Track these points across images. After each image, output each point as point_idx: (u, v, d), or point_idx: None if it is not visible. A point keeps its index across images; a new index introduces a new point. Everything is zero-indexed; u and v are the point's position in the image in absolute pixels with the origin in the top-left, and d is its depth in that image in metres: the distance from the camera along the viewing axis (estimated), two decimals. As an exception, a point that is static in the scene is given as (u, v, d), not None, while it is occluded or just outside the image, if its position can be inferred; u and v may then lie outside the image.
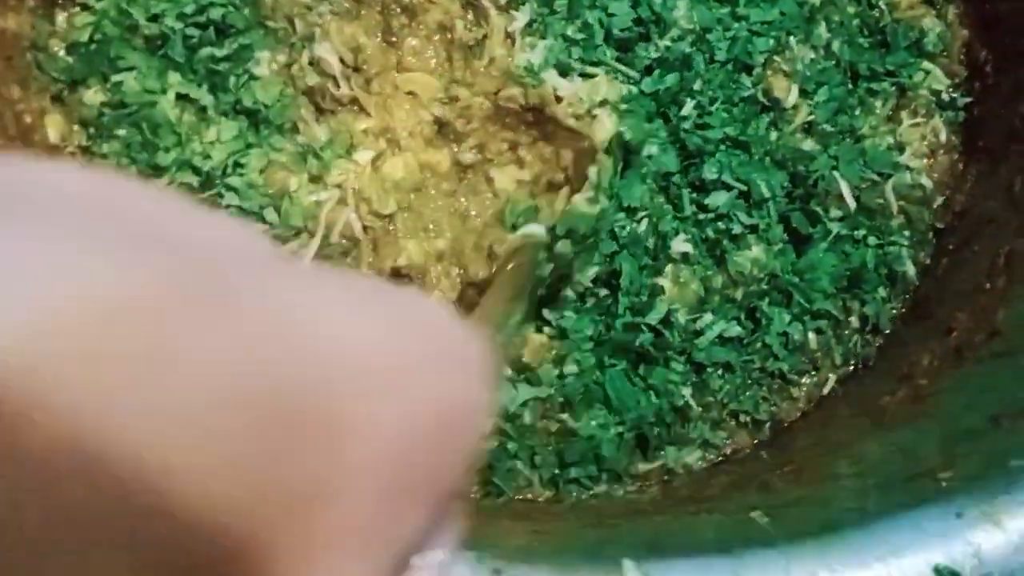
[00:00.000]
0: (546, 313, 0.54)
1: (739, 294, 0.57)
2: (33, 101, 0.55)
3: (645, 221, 0.56)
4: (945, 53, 0.65)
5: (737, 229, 0.58)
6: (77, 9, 0.60)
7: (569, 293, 0.55)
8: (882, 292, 0.61)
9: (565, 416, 0.55)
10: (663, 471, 0.57)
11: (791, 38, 0.64)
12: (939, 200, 0.63)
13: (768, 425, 0.58)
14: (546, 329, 0.55)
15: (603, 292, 0.55)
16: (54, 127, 0.57)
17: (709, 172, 0.58)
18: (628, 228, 0.56)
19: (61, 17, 0.59)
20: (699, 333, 0.56)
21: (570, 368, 0.55)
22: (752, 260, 0.58)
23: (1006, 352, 0.46)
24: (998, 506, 0.30)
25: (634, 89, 0.60)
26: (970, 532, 0.30)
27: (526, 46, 0.61)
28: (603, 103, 0.58)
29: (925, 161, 0.64)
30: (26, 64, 0.55)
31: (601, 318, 0.55)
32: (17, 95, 0.53)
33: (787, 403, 0.58)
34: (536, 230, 0.51)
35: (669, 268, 0.56)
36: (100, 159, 0.57)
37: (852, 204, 0.61)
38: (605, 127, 0.56)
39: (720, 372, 0.57)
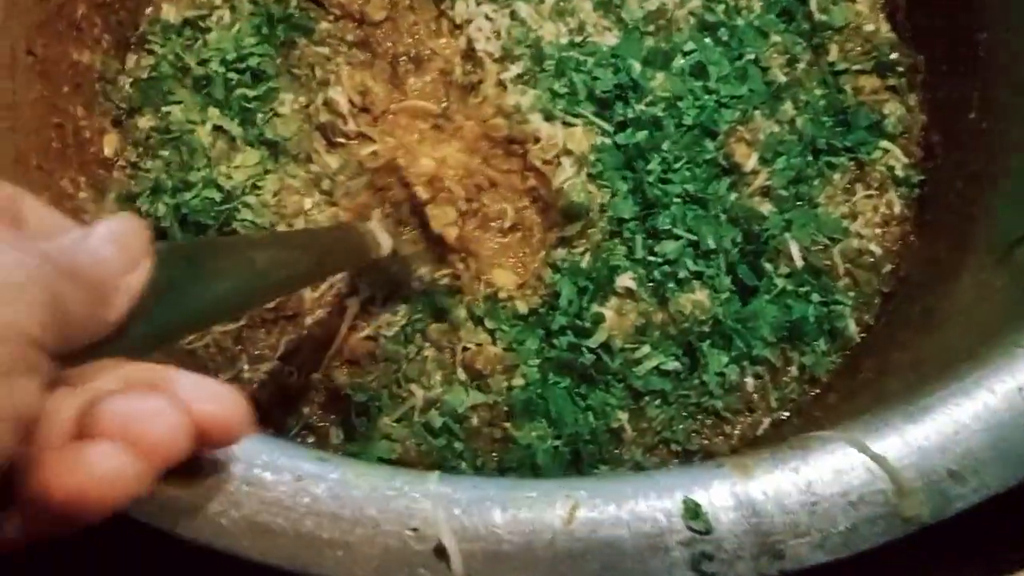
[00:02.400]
0: (488, 322, 0.63)
1: (677, 331, 0.65)
2: (95, 121, 0.68)
3: (588, 255, 0.65)
4: (905, 134, 0.73)
5: (683, 274, 0.66)
6: (144, 53, 0.74)
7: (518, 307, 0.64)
8: (822, 345, 0.67)
9: (508, 425, 0.63)
10: (596, 488, 0.63)
11: (756, 112, 0.73)
12: (888, 267, 0.70)
13: (698, 458, 0.64)
14: (498, 340, 0.63)
15: (544, 310, 0.64)
16: (110, 145, 0.71)
17: (663, 222, 0.67)
18: (569, 260, 0.65)
19: (131, 59, 0.73)
20: (638, 362, 0.64)
21: (518, 381, 0.64)
22: (694, 303, 0.66)
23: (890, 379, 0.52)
24: (756, 460, 0.37)
25: (608, 141, 0.70)
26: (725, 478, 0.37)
27: (516, 91, 0.71)
28: (571, 153, 0.67)
29: (877, 231, 0.71)
30: (92, 91, 0.69)
31: (542, 333, 0.63)
32: (81, 114, 0.66)
33: (720, 439, 0.65)
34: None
35: (613, 300, 0.65)
36: (144, 173, 0.70)
37: (800, 263, 0.68)
38: (565, 174, 0.66)
39: (657, 401, 0.64)
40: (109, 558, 0.45)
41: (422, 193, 0.69)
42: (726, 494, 0.36)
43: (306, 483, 0.36)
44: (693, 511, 0.36)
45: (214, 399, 0.31)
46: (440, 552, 0.34)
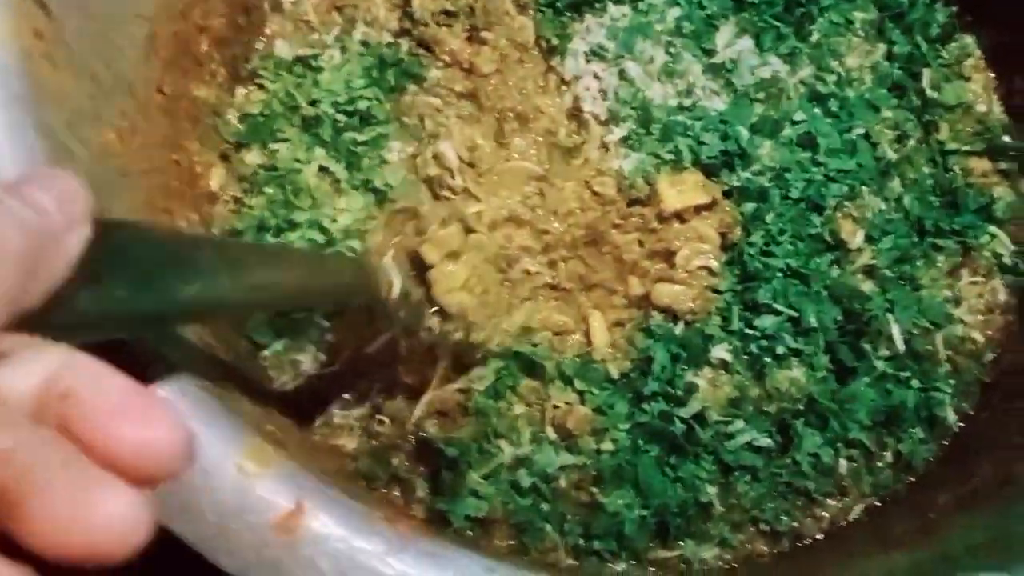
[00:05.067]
0: (577, 383, 0.64)
1: (773, 408, 0.66)
2: (205, 155, 0.71)
3: (682, 323, 0.66)
4: (1014, 221, 0.73)
5: (781, 350, 0.67)
6: (254, 87, 0.76)
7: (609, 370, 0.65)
8: (920, 433, 0.68)
9: (596, 490, 0.64)
10: (681, 561, 0.64)
11: (864, 188, 0.74)
12: (990, 356, 0.70)
13: (787, 538, 0.65)
14: (587, 401, 0.65)
15: (635, 375, 0.65)
16: (216, 179, 0.74)
17: (763, 296, 0.68)
18: (664, 327, 0.66)
19: (240, 92, 0.76)
20: (730, 436, 0.65)
21: (607, 445, 0.65)
22: (791, 380, 0.67)
23: (1015, 496, 0.52)
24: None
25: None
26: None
27: (620, 154, 0.73)
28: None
29: (980, 318, 0.71)
30: (206, 125, 0.71)
31: (632, 397, 0.65)
32: (195, 149, 0.70)
33: (810, 521, 0.66)
34: None
35: (707, 370, 0.66)
36: (247, 209, 0.72)
37: (901, 346, 0.69)
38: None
39: (747, 478, 0.65)
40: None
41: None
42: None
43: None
44: None
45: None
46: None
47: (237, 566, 0.37)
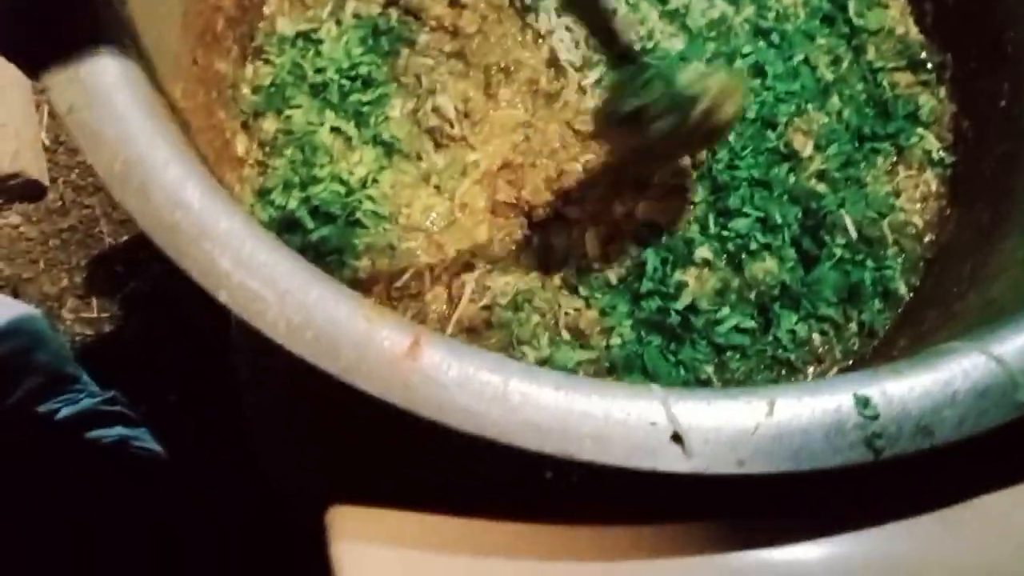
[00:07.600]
0: (582, 290, 0.73)
1: (752, 295, 0.75)
2: (230, 123, 0.77)
3: (664, 234, 0.75)
4: (936, 122, 0.83)
5: (754, 246, 0.76)
6: (261, 63, 0.83)
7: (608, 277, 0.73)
8: (877, 304, 0.77)
9: (611, 378, 0.72)
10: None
11: (809, 105, 0.83)
12: (929, 236, 0.80)
13: (776, 403, 0.73)
14: (592, 305, 0.73)
15: (631, 279, 0.73)
16: (241, 145, 0.80)
17: (734, 202, 0.77)
18: (652, 237, 0.75)
19: (250, 67, 0.82)
20: (719, 322, 0.73)
21: (615, 340, 0.73)
22: (765, 270, 0.75)
23: (960, 331, 0.62)
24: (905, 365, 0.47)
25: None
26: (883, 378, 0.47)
27: (596, 95, 0.81)
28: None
29: (918, 205, 0.81)
30: (227, 97, 0.77)
31: (629, 297, 0.73)
32: (222, 117, 0.75)
33: (793, 387, 0.74)
34: None
35: (692, 269, 0.75)
36: (272, 170, 0.79)
37: (854, 234, 0.78)
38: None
39: (737, 356, 0.74)
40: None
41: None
42: (886, 390, 0.46)
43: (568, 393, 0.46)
44: (863, 402, 0.46)
45: None
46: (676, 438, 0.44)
47: (376, 388, 0.44)
